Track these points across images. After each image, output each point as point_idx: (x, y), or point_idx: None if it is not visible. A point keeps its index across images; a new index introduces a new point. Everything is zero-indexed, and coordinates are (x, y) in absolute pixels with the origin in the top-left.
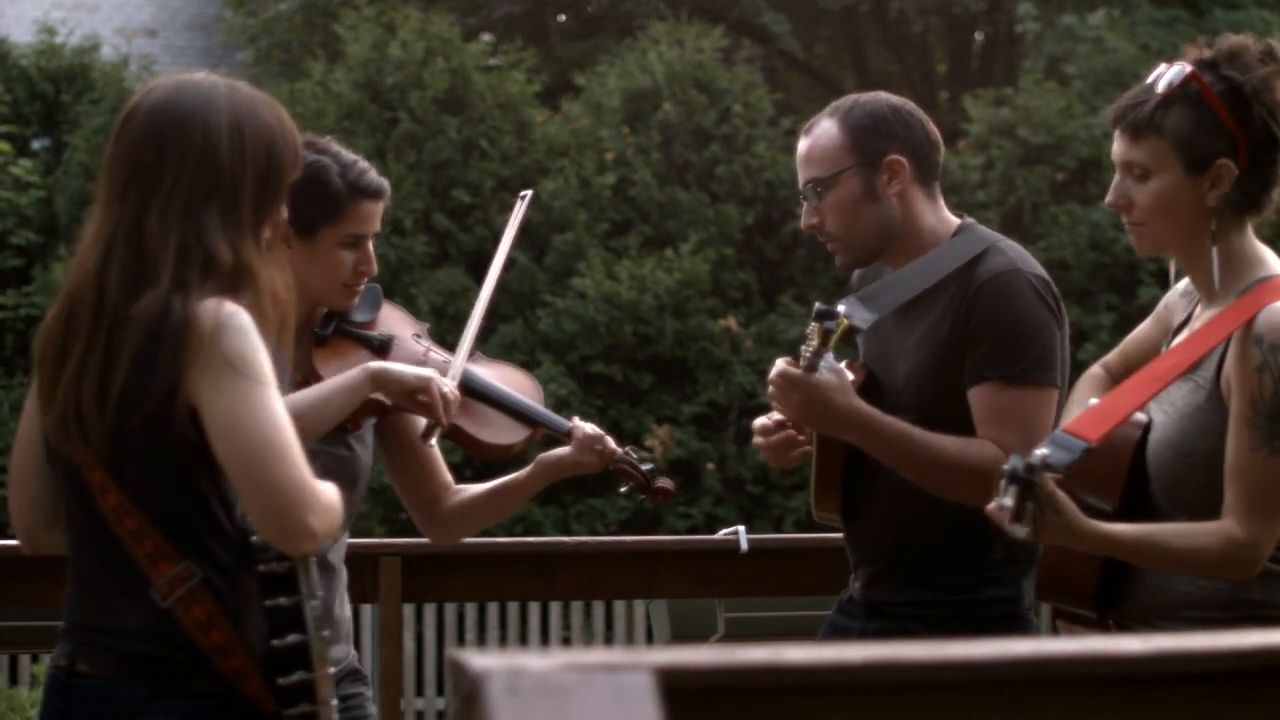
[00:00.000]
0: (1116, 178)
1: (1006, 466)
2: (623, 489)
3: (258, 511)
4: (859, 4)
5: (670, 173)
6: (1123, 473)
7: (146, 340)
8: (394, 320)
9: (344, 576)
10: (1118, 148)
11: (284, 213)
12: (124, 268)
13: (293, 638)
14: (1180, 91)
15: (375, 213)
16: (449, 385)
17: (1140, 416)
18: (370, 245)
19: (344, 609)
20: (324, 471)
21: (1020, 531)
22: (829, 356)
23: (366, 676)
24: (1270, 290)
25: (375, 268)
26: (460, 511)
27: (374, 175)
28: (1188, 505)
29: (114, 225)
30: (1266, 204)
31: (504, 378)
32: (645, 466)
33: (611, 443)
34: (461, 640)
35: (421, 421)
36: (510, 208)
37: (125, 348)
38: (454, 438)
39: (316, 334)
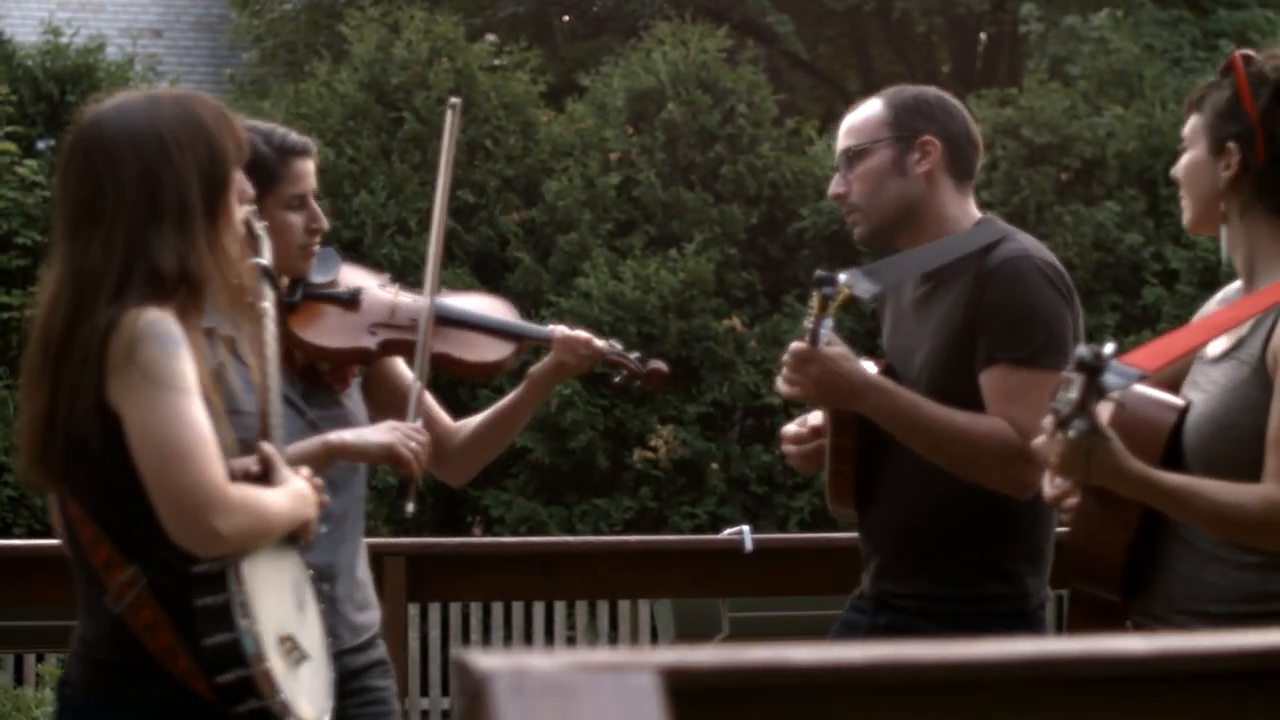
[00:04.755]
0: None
1: (1073, 357)
2: (617, 380)
3: (164, 515)
4: (863, 4)
5: (674, 173)
6: (1158, 453)
7: (82, 361)
8: (355, 276)
9: (358, 541)
10: None
11: (246, 188)
12: (67, 307)
13: (221, 636)
14: (1224, 75)
15: (309, 170)
16: (415, 434)
17: (1178, 400)
18: (314, 203)
19: (368, 570)
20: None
21: (1080, 425)
22: (828, 323)
23: (392, 669)
24: None
25: (325, 224)
26: (468, 446)
27: (295, 135)
28: (1227, 480)
29: (63, 268)
30: None
31: (478, 303)
32: (634, 355)
33: (597, 341)
34: (466, 640)
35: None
36: (515, 208)
37: (66, 375)
38: (443, 366)
39: (285, 303)
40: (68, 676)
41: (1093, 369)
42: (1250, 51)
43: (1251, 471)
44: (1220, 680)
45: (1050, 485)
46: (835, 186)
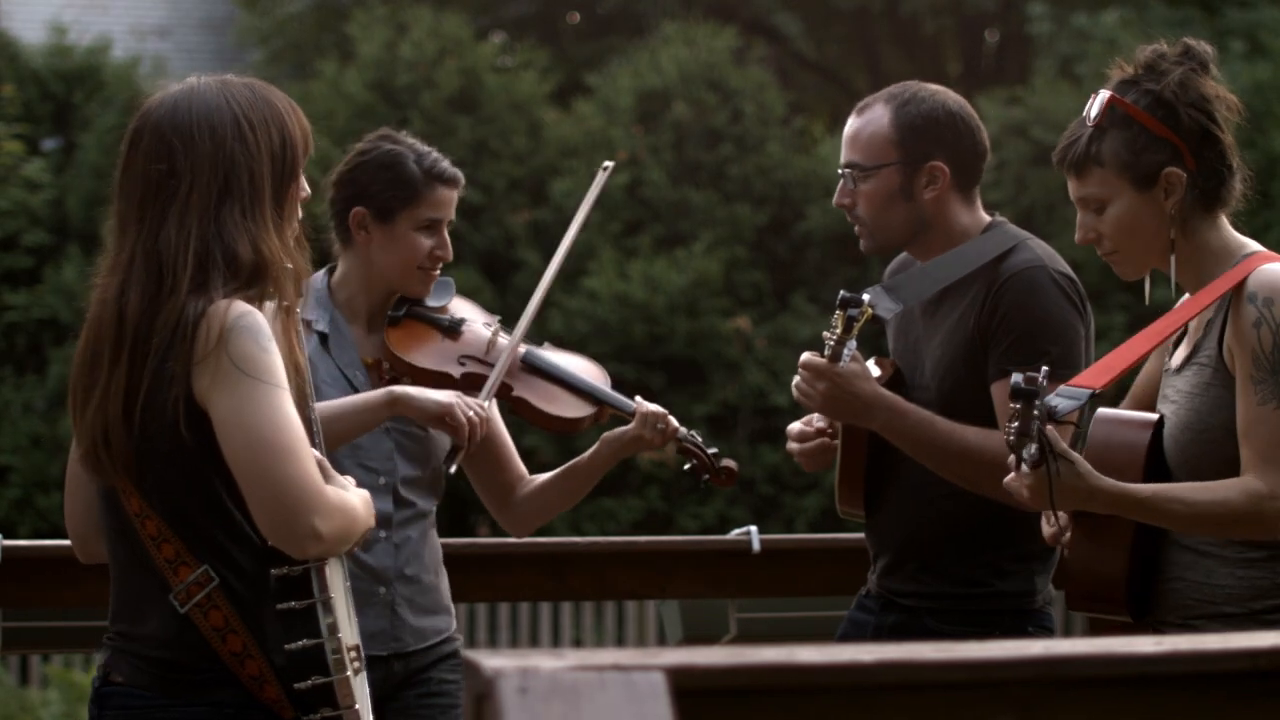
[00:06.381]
0: (1079, 215)
1: (1010, 386)
2: (686, 467)
3: (262, 512)
4: (871, 4)
5: (682, 172)
6: (1139, 472)
7: (165, 349)
8: (464, 309)
9: (434, 543)
10: (1070, 187)
11: (305, 186)
12: (142, 287)
13: (305, 641)
14: (1108, 118)
15: (450, 200)
16: (477, 407)
17: (1150, 416)
18: (446, 233)
19: (437, 577)
20: (398, 449)
21: (1030, 453)
22: (852, 344)
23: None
24: (1255, 259)
25: (451, 254)
26: (533, 498)
27: (449, 164)
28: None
29: (132, 247)
30: (1229, 195)
31: (570, 362)
32: (711, 450)
33: (674, 421)
34: (473, 641)
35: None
36: (522, 208)
37: (147, 363)
38: (520, 411)
39: (389, 316)
40: (114, 674)
41: (1028, 394)
42: (1112, 86)
43: (1232, 468)
44: (1228, 681)
45: (1048, 525)
46: (840, 196)
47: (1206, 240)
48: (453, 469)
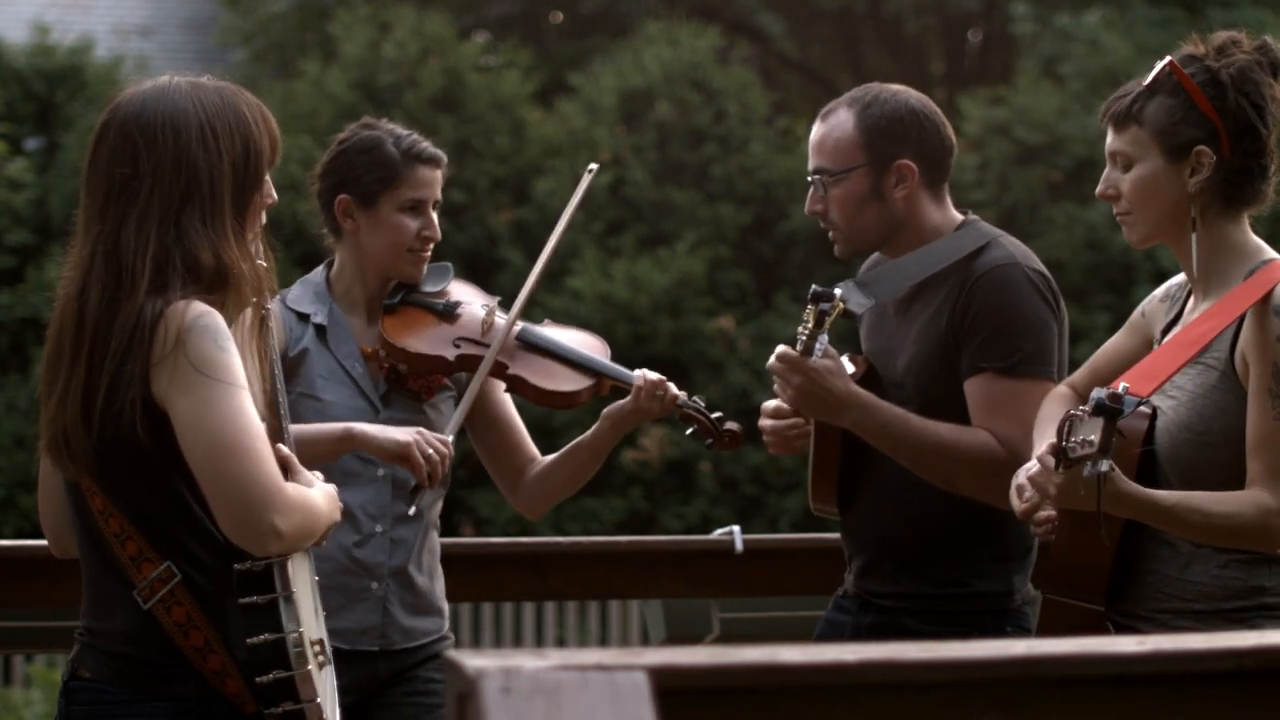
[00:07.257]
0: (1106, 169)
1: (1085, 407)
2: (689, 431)
3: (222, 511)
4: (854, 4)
5: (665, 172)
6: (1133, 460)
7: (124, 351)
8: (463, 292)
9: (432, 544)
10: (1107, 140)
11: (272, 192)
12: (102, 286)
13: (266, 635)
14: (1161, 82)
15: (432, 179)
16: (438, 444)
17: (1145, 407)
18: (433, 213)
19: (432, 579)
20: None
21: (1104, 467)
22: (823, 338)
23: None
24: (1276, 267)
25: (438, 234)
26: (540, 480)
27: (428, 144)
28: (1202, 486)
29: (93, 245)
30: (1257, 195)
31: (568, 336)
32: (714, 414)
33: (673, 388)
34: (456, 641)
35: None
36: (505, 207)
37: (106, 363)
38: (516, 389)
39: (385, 304)
40: (80, 670)
41: (1113, 413)
42: (1178, 56)
43: (1230, 474)
44: (1210, 681)
45: (1020, 499)
46: (811, 204)
47: (1223, 233)
48: (413, 510)
